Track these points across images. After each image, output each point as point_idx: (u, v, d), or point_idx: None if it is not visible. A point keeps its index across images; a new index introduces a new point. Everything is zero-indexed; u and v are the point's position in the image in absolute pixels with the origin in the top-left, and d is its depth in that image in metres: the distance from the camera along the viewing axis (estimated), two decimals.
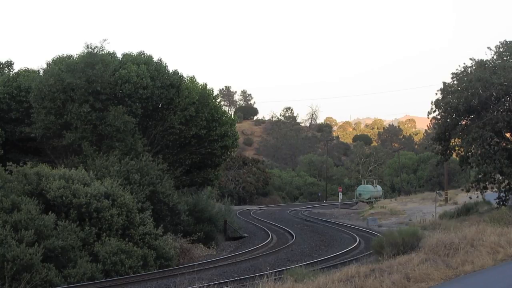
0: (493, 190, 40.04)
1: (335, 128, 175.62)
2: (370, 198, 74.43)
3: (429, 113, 40.61)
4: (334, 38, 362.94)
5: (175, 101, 36.85)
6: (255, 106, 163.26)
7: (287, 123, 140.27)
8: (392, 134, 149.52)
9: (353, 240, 34.28)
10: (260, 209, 66.84)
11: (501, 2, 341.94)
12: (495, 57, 39.25)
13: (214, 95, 41.71)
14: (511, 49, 39.21)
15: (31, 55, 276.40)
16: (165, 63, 38.12)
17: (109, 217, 25.13)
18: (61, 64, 35.02)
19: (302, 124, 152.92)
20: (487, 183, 39.37)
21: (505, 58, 38.97)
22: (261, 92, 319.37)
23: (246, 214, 57.36)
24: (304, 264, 22.08)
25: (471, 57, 39.90)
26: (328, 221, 49.22)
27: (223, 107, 57.72)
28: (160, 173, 31.85)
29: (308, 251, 30.78)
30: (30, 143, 36.57)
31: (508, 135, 39.95)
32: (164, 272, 24.23)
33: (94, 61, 33.86)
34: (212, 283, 17.84)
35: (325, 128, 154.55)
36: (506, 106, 38.07)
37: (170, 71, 37.87)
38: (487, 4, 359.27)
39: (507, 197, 39.45)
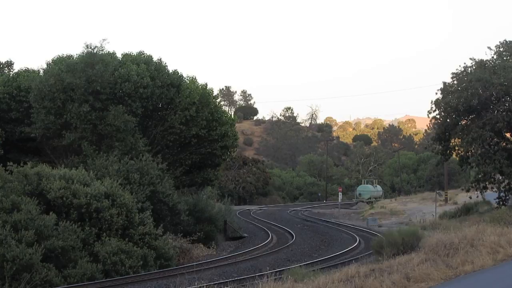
0: (493, 190, 40.06)
1: (335, 128, 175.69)
2: (370, 198, 74.44)
3: (429, 112, 40.64)
4: (334, 37, 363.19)
5: (176, 101, 36.88)
6: (255, 106, 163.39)
7: (287, 123, 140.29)
8: (392, 134, 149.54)
9: (353, 240, 34.29)
10: (260, 209, 66.85)
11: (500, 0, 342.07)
12: (495, 57, 39.28)
13: (214, 95, 41.75)
14: (511, 49, 39.24)
15: (31, 55, 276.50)
16: (165, 63, 38.25)
17: (109, 217, 25.13)
18: (61, 64, 35.04)
19: (302, 124, 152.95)
20: (487, 183, 39.41)
21: (505, 58, 39.00)
22: (261, 92, 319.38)
23: (246, 214, 57.36)
24: (304, 264, 22.07)
25: (471, 57, 40.05)
26: (328, 221, 49.24)
27: (223, 107, 57.77)
28: (160, 173, 31.85)
29: (308, 251, 30.79)
30: (30, 143, 36.58)
31: (508, 135, 39.98)
32: (164, 272, 24.22)
33: (94, 61, 33.88)
34: (212, 283, 17.85)
35: (325, 128, 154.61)
36: (506, 106, 38.07)
37: (170, 71, 37.91)
38: (487, 1, 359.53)
39: (507, 197, 39.48)
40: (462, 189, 43.53)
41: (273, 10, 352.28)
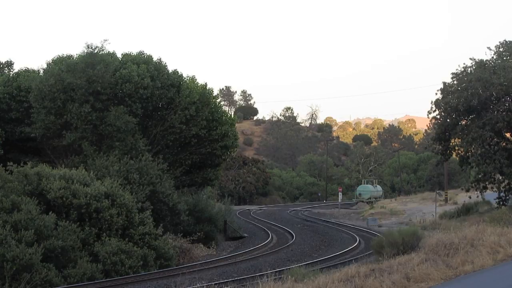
0: (493, 190, 40.08)
1: (335, 128, 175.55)
2: (370, 198, 74.44)
3: (429, 112, 40.69)
4: (334, 37, 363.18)
5: (176, 101, 36.88)
6: (255, 106, 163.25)
7: (287, 123, 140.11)
8: (392, 134, 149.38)
9: (353, 240, 34.29)
10: (260, 209, 66.86)
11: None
12: (495, 57, 39.31)
13: (214, 95, 41.75)
14: (511, 49, 39.25)
15: (31, 55, 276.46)
16: (165, 63, 38.23)
17: (109, 217, 25.13)
18: (61, 64, 35.03)
19: (302, 124, 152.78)
20: (487, 183, 39.43)
21: (505, 58, 39.02)
22: (261, 92, 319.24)
23: (246, 214, 57.37)
24: (304, 264, 22.07)
25: (471, 57, 40.05)
26: (328, 221, 49.25)
27: (223, 107, 57.74)
28: (160, 173, 31.84)
29: (308, 251, 30.79)
30: (30, 143, 36.58)
31: (508, 135, 40.02)
32: (164, 272, 24.22)
33: (95, 61, 33.87)
34: (212, 283, 17.83)
35: (325, 128, 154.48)
36: (506, 106, 38.11)
37: (170, 71, 37.91)
38: (486, 2, 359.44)
39: (507, 197, 39.50)
40: (462, 189, 43.56)
41: (272, 10, 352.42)
